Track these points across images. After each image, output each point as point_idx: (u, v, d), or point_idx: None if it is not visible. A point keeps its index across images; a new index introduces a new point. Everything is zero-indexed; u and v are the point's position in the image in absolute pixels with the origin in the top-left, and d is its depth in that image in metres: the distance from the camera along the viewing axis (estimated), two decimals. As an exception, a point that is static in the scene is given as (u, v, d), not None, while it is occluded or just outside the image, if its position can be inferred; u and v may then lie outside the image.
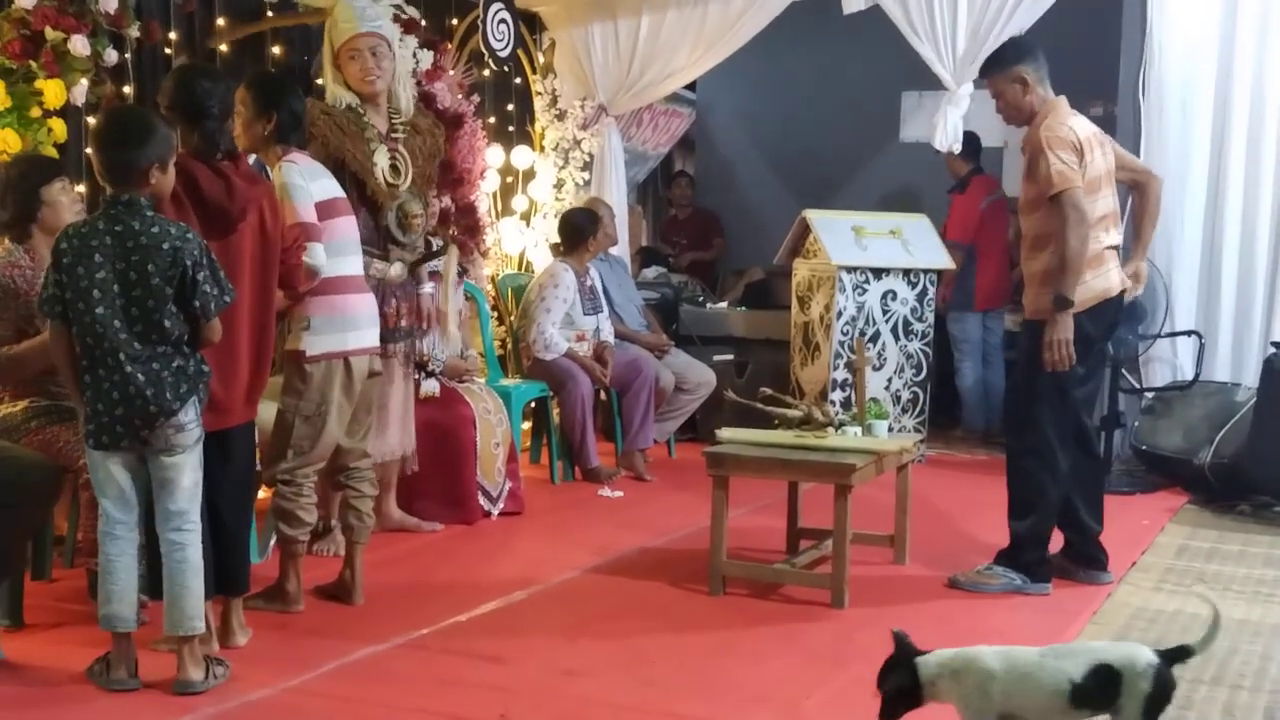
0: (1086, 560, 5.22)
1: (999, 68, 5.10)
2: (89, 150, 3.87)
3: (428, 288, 5.68)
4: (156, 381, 3.68)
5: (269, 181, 4.39)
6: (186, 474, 3.81)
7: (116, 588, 3.77)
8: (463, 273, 6.53)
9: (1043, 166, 4.85)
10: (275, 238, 4.22)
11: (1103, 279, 5.00)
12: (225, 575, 4.13)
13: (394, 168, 5.37)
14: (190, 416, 3.78)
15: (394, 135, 5.43)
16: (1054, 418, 4.98)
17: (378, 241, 5.31)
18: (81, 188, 5.50)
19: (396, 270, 5.38)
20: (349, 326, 4.63)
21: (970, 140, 8.13)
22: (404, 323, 5.44)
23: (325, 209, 4.56)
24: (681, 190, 10.68)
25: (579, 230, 7.39)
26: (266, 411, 4.61)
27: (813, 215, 7.62)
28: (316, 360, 4.56)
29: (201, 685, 3.77)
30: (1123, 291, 5.10)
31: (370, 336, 4.76)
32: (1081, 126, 4.99)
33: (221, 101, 4.12)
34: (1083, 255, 4.83)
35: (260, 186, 4.22)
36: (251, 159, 4.58)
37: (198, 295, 3.72)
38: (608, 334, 7.39)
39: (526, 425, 7.55)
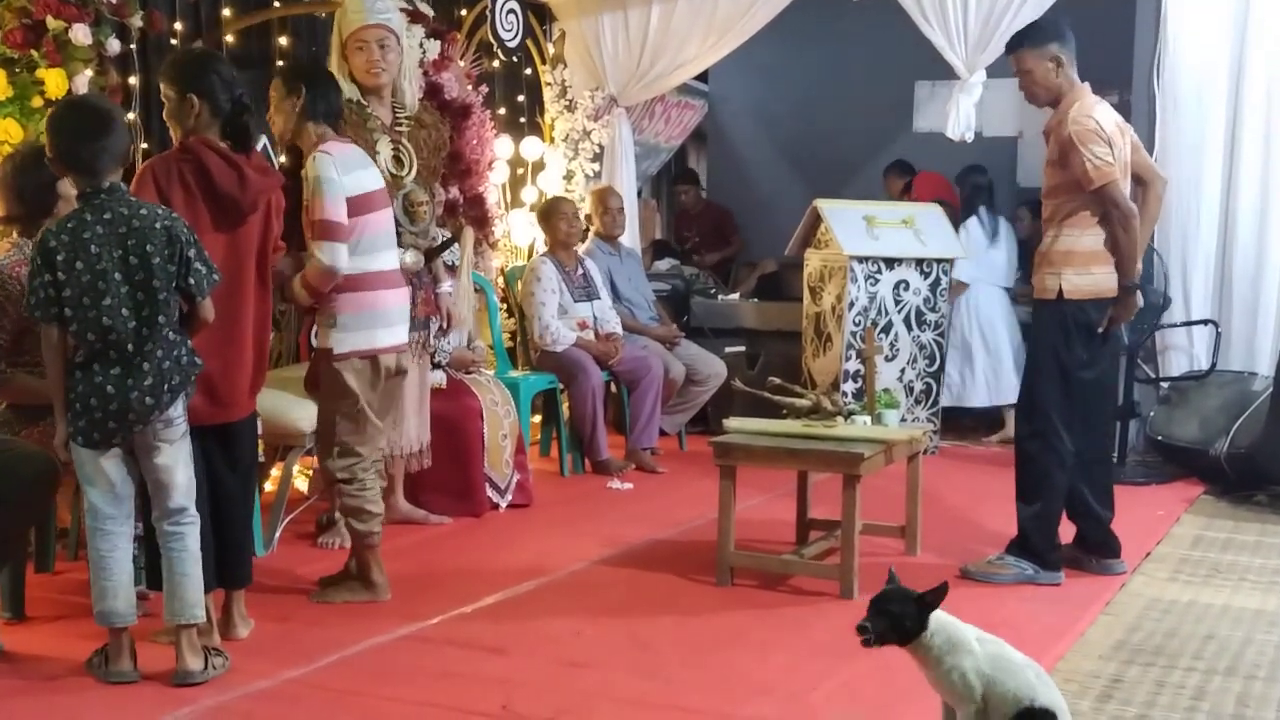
0: (1099, 549, 5.16)
1: (1034, 43, 4.99)
2: (47, 149, 3.75)
3: (446, 285, 5.66)
4: (158, 373, 3.64)
5: (279, 174, 4.35)
6: (180, 472, 3.76)
7: (111, 584, 3.72)
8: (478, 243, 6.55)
9: (1077, 163, 4.82)
10: (276, 231, 4.19)
11: (1109, 279, 4.96)
12: (227, 568, 4.11)
13: (397, 159, 5.33)
14: (179, 411, 3.74)
15: (398, 128, 5.39)
16: (1058, 401, 4.95)
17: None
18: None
19: (411, 258, 5.34)
20: (378, 323, 4.58)
21: (901, 164, 8.67)
22: (419, 313, 5.42)
23: (358, 203, 4.48)
24: (686, 195, 10.67)
25: (542, 225, 7.48)
26: (269, 400, 4.58)
27: (824, 205, 7.57)
28: (345, 358, 4.53)
29: (200, 676, 3.74)
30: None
31: (400, 333, 4.69)
32: (1106, 116, 4.93)
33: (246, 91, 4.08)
34: (1134, 242, 4.90)
35: (272, 178, 4.16)
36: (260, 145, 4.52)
37: (191, 273, 3.69)
38: (614, 324, 7.36)
39: (536, 419, 7.51)
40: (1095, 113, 4.89)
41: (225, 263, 3.86)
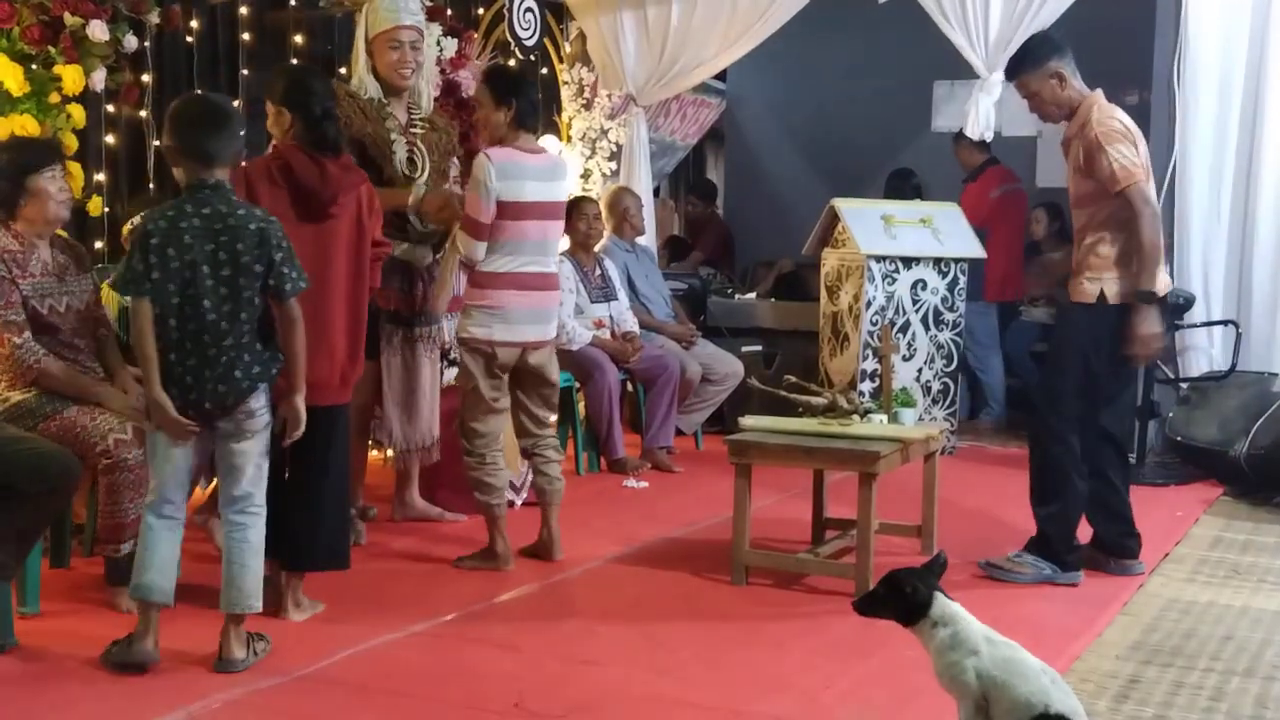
0: (1118, 550, 5.12)
1: (1032, 65, 4.97)
2: (165, 136, 3.89)
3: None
4: (235, 365, 3.76)
5: (363, 172, 4.59)
6: (252, 460, 3.87)
7: (156, 558, 3.79)
8: None
9: (1104, 163, 4.77)
10: (370, 227, 4.46)
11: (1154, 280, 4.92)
12: (286, 548, 4.19)
13: (411, 160, 5.35)
14: (261, 403, 3.85)
15: (412, 129, 5.40)
16: (1079, 405, 4.91)
17: (396, 228, 5.27)
18: (101, 175, 5.50)
19: (420, 254, 5.37)
20: (497, 320, 4.89)
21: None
22: (429, 307, 5.46)
23: (509, 209, 4.84)
24: (691, 207, 10.77)
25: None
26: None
27: (841, 204, 7.53)
28: (465, 344, 4.95)
29: (242, 665, 3.79)
30: (1165, 296, 5.03)
31: (525, 332, 4.97)
32: (1126, 117, 4.90)
33: (335, 101, 4.49)
34: (1159, 246, 4.83)
35: (355, 174, 4.45)
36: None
37: (274, 275, 3.80)
38: (631, 324, 7.34)
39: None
40: (1115, 117, 4.85)
41: (311, 256, 4.01)
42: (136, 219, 4.92)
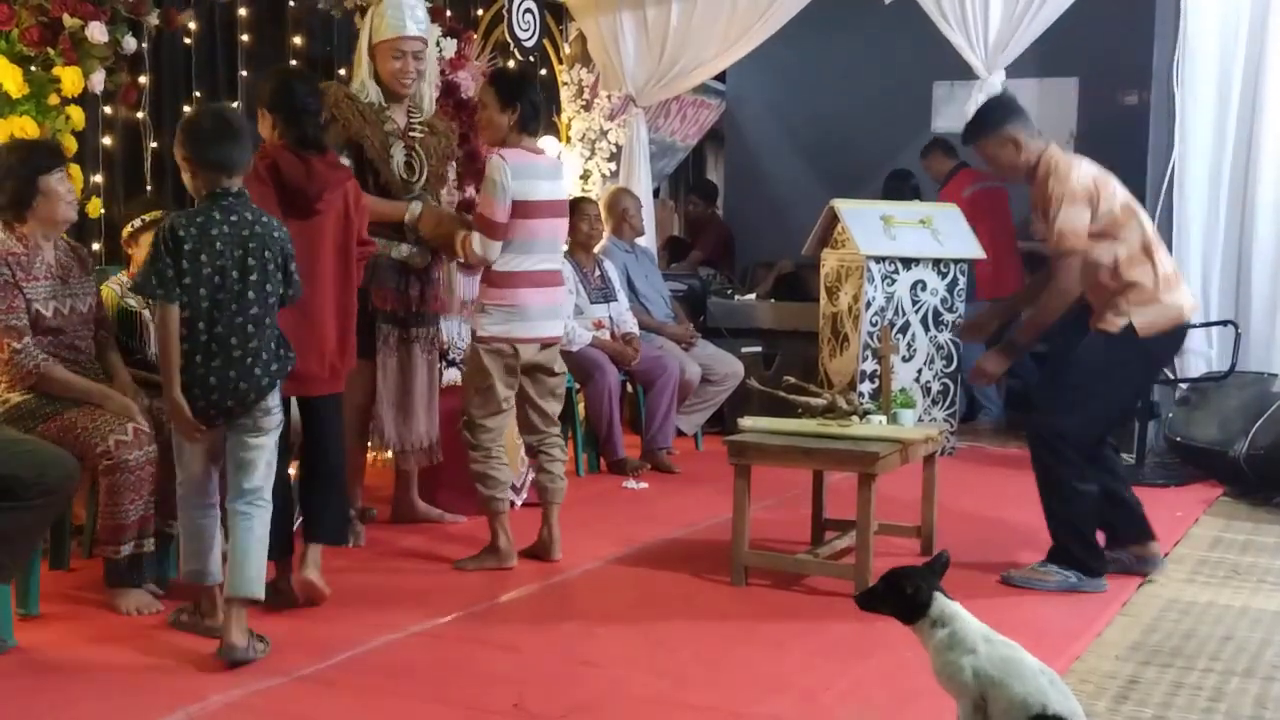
0: (1135, 536, 5.05)
1: (989, 131, 4.95)
2: (179, 149, 4.00)
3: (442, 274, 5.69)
4: (256, 365, 3.89)
5: (348, 170, 4.71)
6: (264, 456, 4.00)
7: (201, 546, 4.02)
8: None
9: (1050, 219, 4.76)
10: (355, 223, 4.55)
11: (1177, 303, 4.88)
12: (277, 538, 4.22)
13: (409, 164, 5.34)
14: (276, 401, 4.00)
15: (411, 133, 5.40)
16: (1086, 427, 4.86)
17: (393, 229, 5.28)
18: (99, 177, 5.49)
19: (419, 257, 5.37)
20: (515, 317, 4.96)
21: (943, 142, 8.48)
22: (426, 308, 5.49)
23: (522, 208, 4.90)
24: (693, 206, 10.79)
25: None
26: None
27: (841, 205, 7.54)
28: (484, 341, 4.97)
29: (244, 654, 3.82)
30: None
31: (542, 328, 5.05)
32: (1086, 168, 4.86)
33: (319, 100, 4.61)
34: (1053, 318, 4.83)
35: (340, 171, 4.56)
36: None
37: (291, 284, 4.01)
38: (631, 326, 7.34)
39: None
40: (1074, 174, 4.79)
41: (299, 251, 4.12)
42: (136, 221, 4.94)
